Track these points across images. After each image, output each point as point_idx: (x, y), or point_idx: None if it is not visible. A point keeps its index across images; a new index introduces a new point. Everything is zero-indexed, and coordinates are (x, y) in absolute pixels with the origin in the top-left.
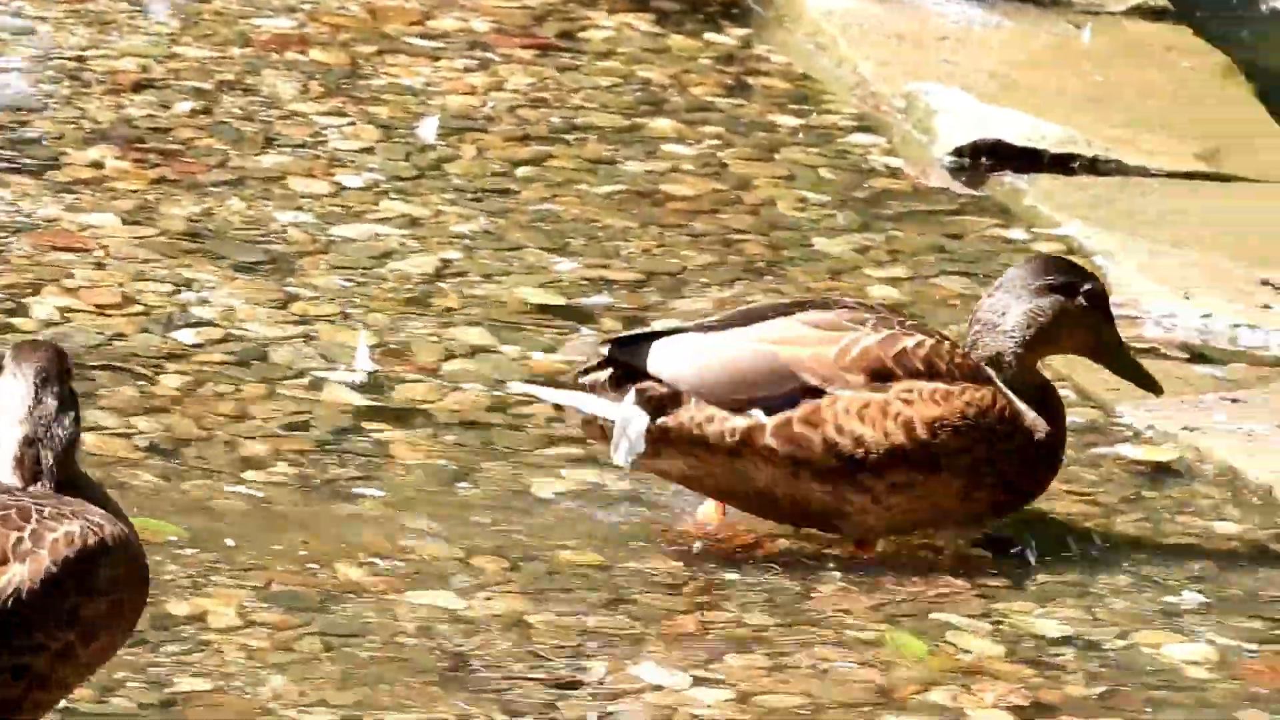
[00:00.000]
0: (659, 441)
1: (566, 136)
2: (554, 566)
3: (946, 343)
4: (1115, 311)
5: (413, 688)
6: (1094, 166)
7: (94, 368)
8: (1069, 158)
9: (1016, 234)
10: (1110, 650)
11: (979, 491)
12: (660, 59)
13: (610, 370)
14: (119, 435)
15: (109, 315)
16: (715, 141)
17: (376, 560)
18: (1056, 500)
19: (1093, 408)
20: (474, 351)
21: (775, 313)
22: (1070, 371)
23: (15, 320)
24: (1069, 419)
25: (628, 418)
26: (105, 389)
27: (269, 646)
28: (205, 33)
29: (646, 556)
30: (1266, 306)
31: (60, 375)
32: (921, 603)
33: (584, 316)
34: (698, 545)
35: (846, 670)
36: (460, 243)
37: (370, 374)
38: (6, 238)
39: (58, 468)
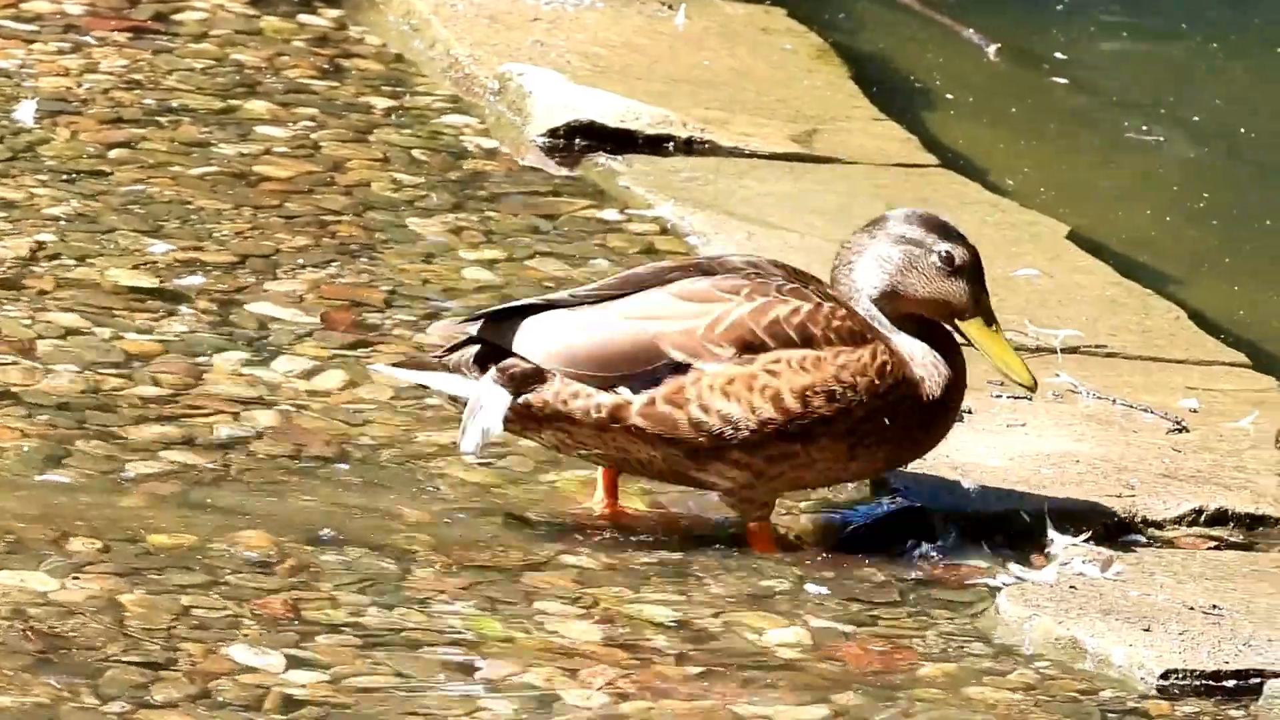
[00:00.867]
0: (525, 419)
1: (160, 119)
2: (147, 548)
3: (826, 305)
4: None
5: (4, 672)
6: (688, 148)
7: None
8: (663, 139)
9: (610, 215)
10: (706, 632)
11: (868, 449)
12: (255, 41)
13: (475, 349)
14: None
15: None
16: (309, 123)
17: None
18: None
19: None
20: (67, 334)
21: (653, 281)
22: None
23: None
24: None
25: (484, 397)
26: None
27: None
28: None
29: (239, 538)
30: None
31: None
32: (517, 585)
33: (177, 298)
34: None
35: (442, 654)
36: (54, 225)
37: None
38: None
39: None
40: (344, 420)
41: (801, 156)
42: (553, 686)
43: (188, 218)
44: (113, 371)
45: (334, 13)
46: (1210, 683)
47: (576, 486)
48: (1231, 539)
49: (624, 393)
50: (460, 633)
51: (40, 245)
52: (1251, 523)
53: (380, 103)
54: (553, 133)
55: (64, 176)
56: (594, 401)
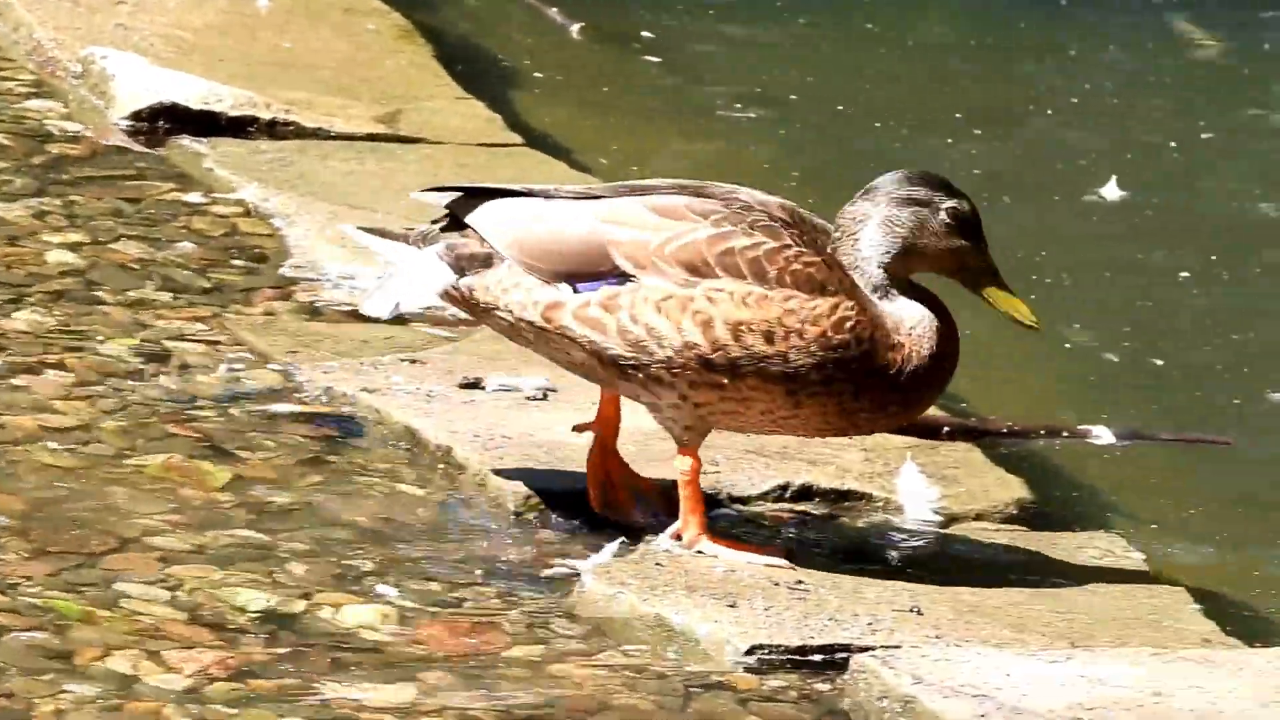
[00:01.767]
0: (469, 304)
1: None
2: None
3: (795, 249)
4: (293, 274)
5: None
6: (272, 130)
7: None
8: (247, 121)
9: (194, 197)
10: (292, 614)
11: (815, 399)
12: None
13: (444, 223)
14: None
15: None
16: None
17: None
18: (244, 465)
19: (271, 370)
20: None
21: (642, 192)
22: (253, 337)
23: None
24: (251, 384)
25: (417, 267)
26: None
27: None
28: None
29: None
30: None
31: None
32: (101, 569)
33: None
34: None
35: (25, 638)
36: None
37: None
38: None
39: None
40: None
41: (386, 137)
42: (137, 670)
43: None
44: None
45: None
46: (797, 657)
47: (161, 469)
48: (817, 513)
49: (564, 290)
50: (43, 616)
51: None
52: (836, 497)
53: None
54: (136, 116)
55: None
56: (531, 297)
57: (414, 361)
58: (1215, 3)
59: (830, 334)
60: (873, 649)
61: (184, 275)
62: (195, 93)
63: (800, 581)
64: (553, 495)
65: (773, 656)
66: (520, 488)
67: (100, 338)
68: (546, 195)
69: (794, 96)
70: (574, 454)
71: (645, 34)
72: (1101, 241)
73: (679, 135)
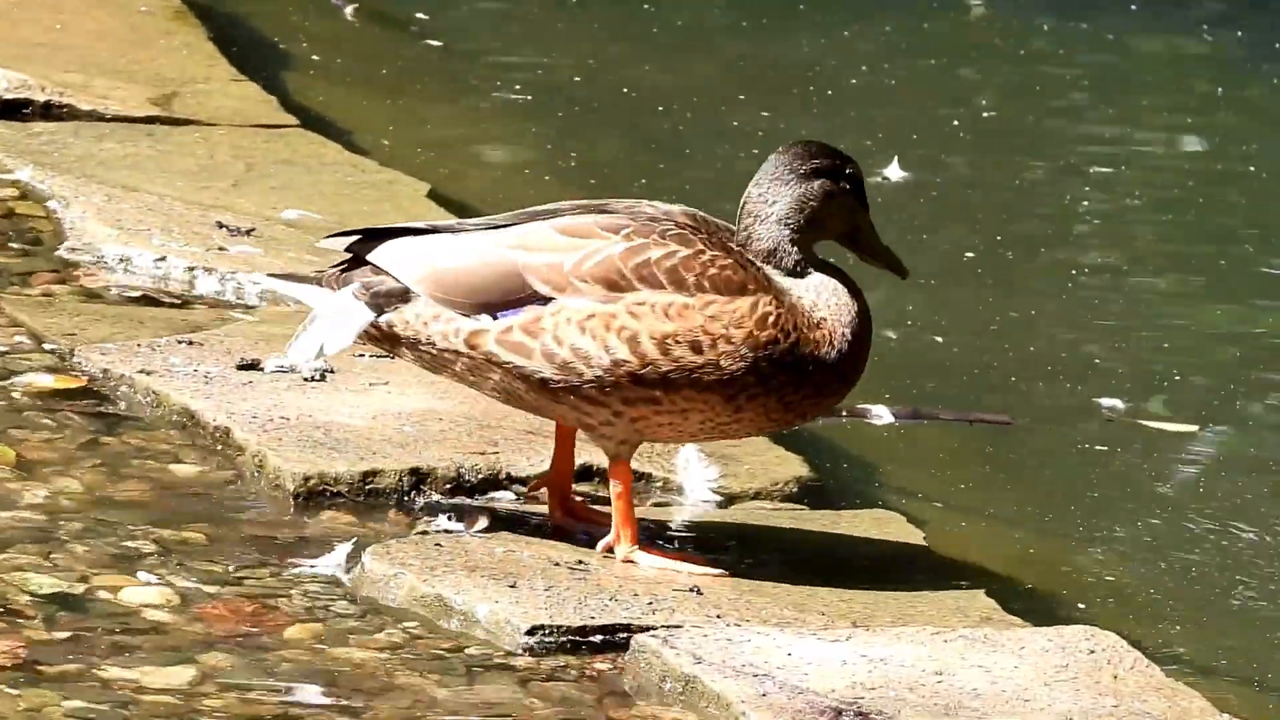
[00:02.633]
0: (386, 339)
1: None
2: None
3: (709, 253)
4: (70, 256)
5: None
6: (47, 112)
7: None
8: (21, 103)
9: None
10: (73, 595)
11: (755, 401)
12: None
13: (348, 266)
14: None
15: None
16: None
17: None
18: (21, 446)
19: (48, 351)
20: None
21: (545, 215)
22: (30, 319)
23: None
24: (29, 366)
25: (337, 310)
26: None
27: None
28: None
29: None
30: (222, 249)
31: None
32: None
33: None
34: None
35: None
36: None
37: None
38: None
39: None
40: None
41: (162, 119)
42: None
43: None
44: None
45: None
46: (577, 638)
47: None
48: (596, 493)
49: (484, 320)
50: None
51: None
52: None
53: None
54: None
55: None
56: (453, 326)
57: (192, 343)
58: None
59: (756, 333)
60: (653, 629)
61: None
62: None
63: (581, 562)
64: (331, 476)
65: (553, 638)
66: (299, 469)
67: None
68: (450, 230)
69: (577, 78)
70: (352, 436)
71: (420, 15)
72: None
73: (457, 117)
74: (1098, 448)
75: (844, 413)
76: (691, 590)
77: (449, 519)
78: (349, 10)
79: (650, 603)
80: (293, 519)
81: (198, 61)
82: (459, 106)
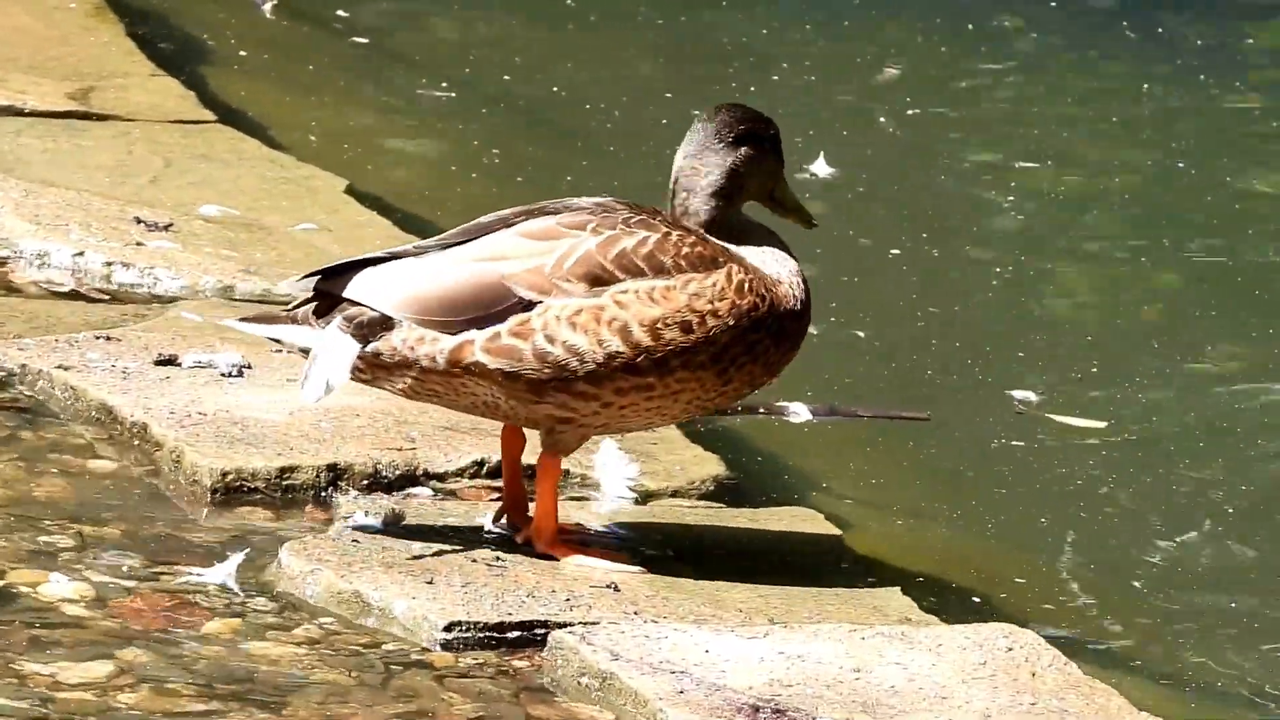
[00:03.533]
0: (374, 367)
1: None
2: None
3: (675, 234)
4: None
5: None
6: None
7: None
8: None
9: None
10: None
11: (741, 369)
12: None
13: (317, 302)
14: None
15: None
16: None
17: None
18: None
19: None
20: None
21: (497, 226)
22: None
23: None
24: None
25: (330, 346)
26: None
27: None
28: None
29: None
30: (140, 244)
31: None
32: None
33: None
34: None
35: None
36: None
37: None
38: None
39: None
40: None
41: (80, 114)
42: None
43: None
44: None
45: None
46: (495, 634)
47: None
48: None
49: (471, 334)
50: None
51: None
52: (534, 474)
53: None
54: None
55: None
56: (439, 346)
57: (109, 338)
58: None
59: (738, 301)
60: (571, 625)
61: None
62: None
63: (498, 558)
64: (249, 472)
65: (470, 634)
66: (216, 464)
67: None
68: (410, 255)
69: (506, 76)
70: (269, 432)
71: (340, 13)
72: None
73: (380, 114)
74: (1014, 442)
75: (761, 409)
76: (609, 587)
77: (366, 515)
78: (268, 7)
79: (568, 599)
80: (210, 514)
81: (117, 57)
82: (382, 104)
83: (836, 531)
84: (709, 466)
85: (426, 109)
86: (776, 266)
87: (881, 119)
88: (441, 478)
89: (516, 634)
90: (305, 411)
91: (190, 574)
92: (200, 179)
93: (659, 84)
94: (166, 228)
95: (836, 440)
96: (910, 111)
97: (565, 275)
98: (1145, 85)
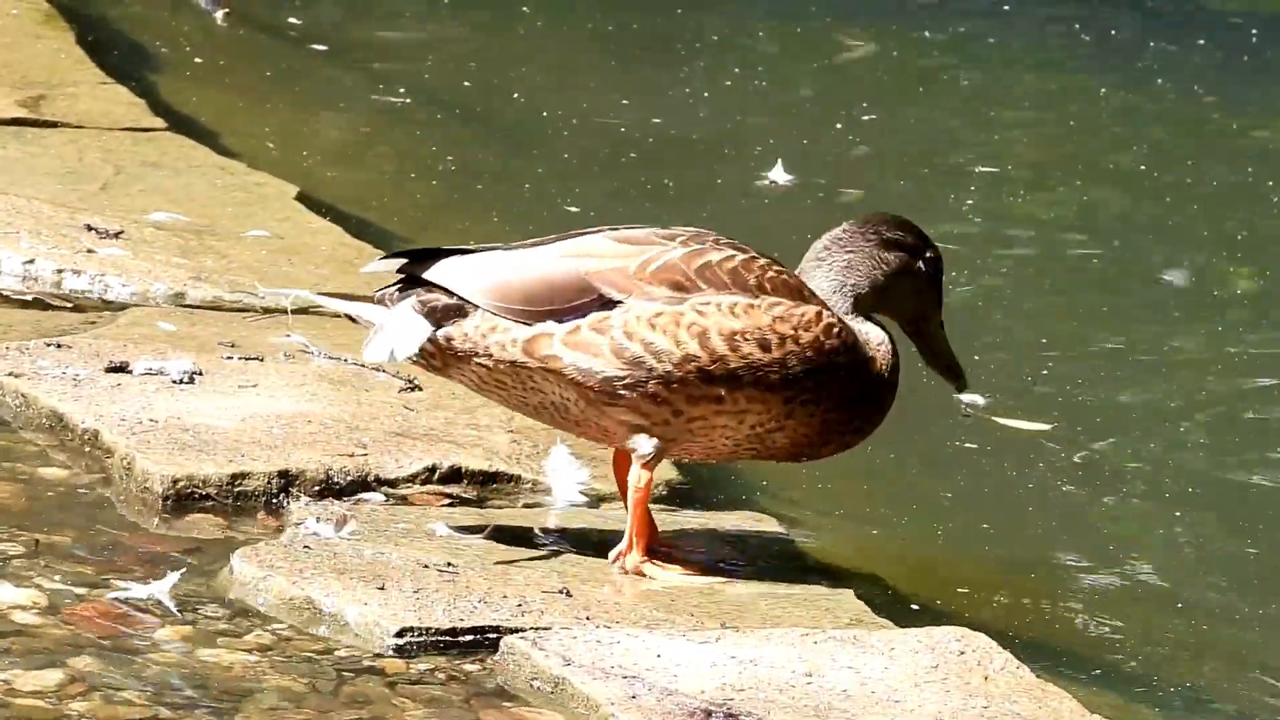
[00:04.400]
0: (443, 354)
1: None
2: None
3: (763, 259)
4: None
5: None
6: None
7: None
8: None
9: None
10: None
11: (805, 409)
12: None
13: (402, 284)
14: None
15: None
16: None
17: None
18: None
19: None
20: None
21: (594, 231)
22: None
23: None
24: None
25: (402, 322)
26: None
27: None
28: None
29: None
30: (90, 251)
31: None
32: None
33: None
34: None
35: None
36: None
37: None
38: None
39: None
40: None
41: (29, 121)
42: None
43: None
44: None
45: None
46: (447, 639)
47: None
48: (465, 495)
49: (547, 325)
50: None
51: None
52: (486, 479)
53: None
54: None
55: None
56: (510, 336)
57: (60, 345)
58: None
59: (823, 339)
60: (523, 630)
61: None
62: None
63: (450, 564)
64: (200, 479)
65: (422, 639)
66: (168, 471)
67: None
68: (505, 247)
69: (467, 83)
70: (220, 438)
71: (293, 20)
72: (771, 224)
73: (334, 121)
74: (963, 446)
75: None
76: (561, 592)
77: (317, 521)
78: (220, 15)
79: (519, 604)
80: (162, 520)
81: (67, 64)
82: (336, 111)
83: (788, 535)
84: (660, 470)
85: (380, 115)
86: (879, 347)
87: (839, 125)
88: (393, 484)
89: (468, 639)
90: (257, 418)
91: (125, 589)
92: (151, 186)
93: (617, 92)
94: (117, 235)
95: None
96: (867, 118)
97: (648, 278)
98: (1103, 90)
